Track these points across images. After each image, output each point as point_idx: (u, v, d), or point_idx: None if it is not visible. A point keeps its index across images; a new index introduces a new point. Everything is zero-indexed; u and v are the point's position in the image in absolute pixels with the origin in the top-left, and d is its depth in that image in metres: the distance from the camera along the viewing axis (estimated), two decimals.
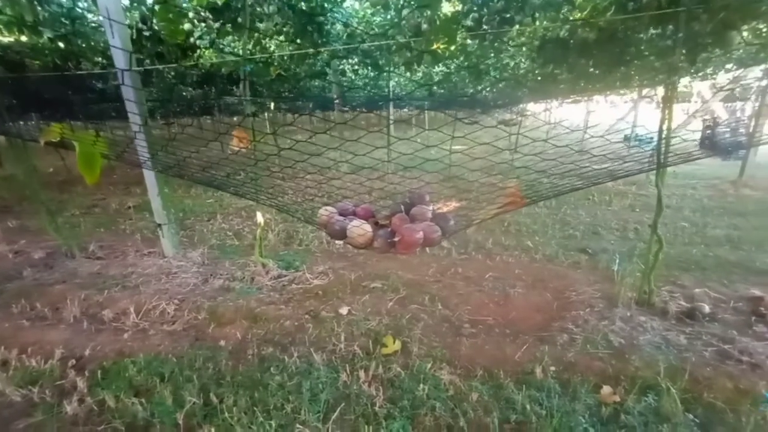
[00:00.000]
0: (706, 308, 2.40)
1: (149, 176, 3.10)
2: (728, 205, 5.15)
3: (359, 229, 1.31)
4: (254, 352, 2.23)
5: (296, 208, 1.89)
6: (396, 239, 1.25)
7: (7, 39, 4.42)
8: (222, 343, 2.32)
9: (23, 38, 4.32)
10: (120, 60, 2.83)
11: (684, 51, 4.68)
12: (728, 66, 7.56)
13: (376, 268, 3.35)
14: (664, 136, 2.26)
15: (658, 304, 2.49)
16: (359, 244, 1.34)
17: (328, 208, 1.50)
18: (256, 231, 3.17)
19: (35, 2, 3.49)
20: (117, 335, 2.38)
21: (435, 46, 2.64)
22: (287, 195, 1.84)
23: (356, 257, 3.62)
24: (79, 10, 3.85)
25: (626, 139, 11.48)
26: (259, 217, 3.06)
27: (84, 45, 4.15)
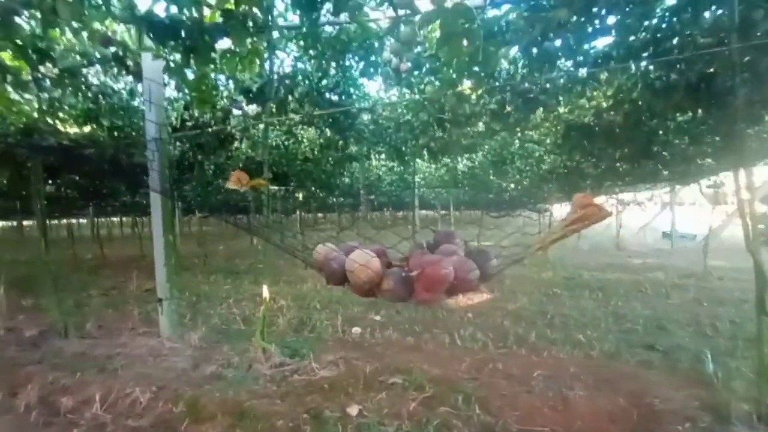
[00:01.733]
0: None
1: (158, 244, 2.94)
2: None
3: (362, 255, 0.96)
4: None
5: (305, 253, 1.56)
6: (414, 273, 0.89)
7: (73, 130, 4.95)
8: None
9: (86, 129, 4.82)
10: (152, 132, 2.97)
11: (718, 138, 4.50)
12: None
13: (397, 360, 2.79)
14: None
15: None
16: (362, 282, 0.97)
17: (328, 244, 1.18)
18: (261, 308, 2.80)
19: (100, 94, 3.92)
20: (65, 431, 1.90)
21: (461, 89, 2.59)
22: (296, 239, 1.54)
23: (374, 347, 3.09)
24: (135, 104, 4.30)
25: (666, 236, 10.92)
26: (265, 291, 2.72)
27: (135, 134, 4.52)
